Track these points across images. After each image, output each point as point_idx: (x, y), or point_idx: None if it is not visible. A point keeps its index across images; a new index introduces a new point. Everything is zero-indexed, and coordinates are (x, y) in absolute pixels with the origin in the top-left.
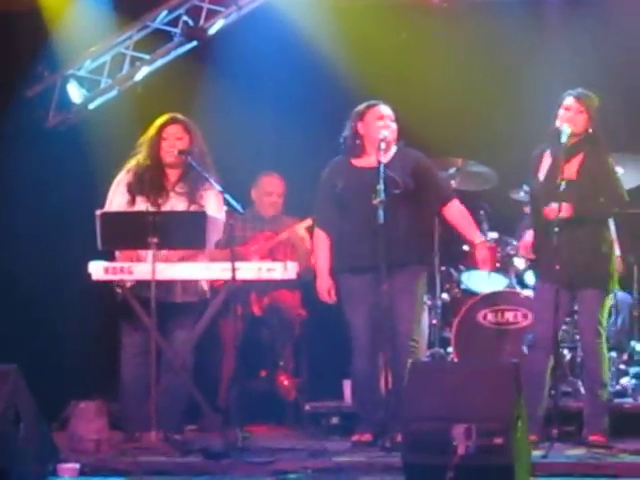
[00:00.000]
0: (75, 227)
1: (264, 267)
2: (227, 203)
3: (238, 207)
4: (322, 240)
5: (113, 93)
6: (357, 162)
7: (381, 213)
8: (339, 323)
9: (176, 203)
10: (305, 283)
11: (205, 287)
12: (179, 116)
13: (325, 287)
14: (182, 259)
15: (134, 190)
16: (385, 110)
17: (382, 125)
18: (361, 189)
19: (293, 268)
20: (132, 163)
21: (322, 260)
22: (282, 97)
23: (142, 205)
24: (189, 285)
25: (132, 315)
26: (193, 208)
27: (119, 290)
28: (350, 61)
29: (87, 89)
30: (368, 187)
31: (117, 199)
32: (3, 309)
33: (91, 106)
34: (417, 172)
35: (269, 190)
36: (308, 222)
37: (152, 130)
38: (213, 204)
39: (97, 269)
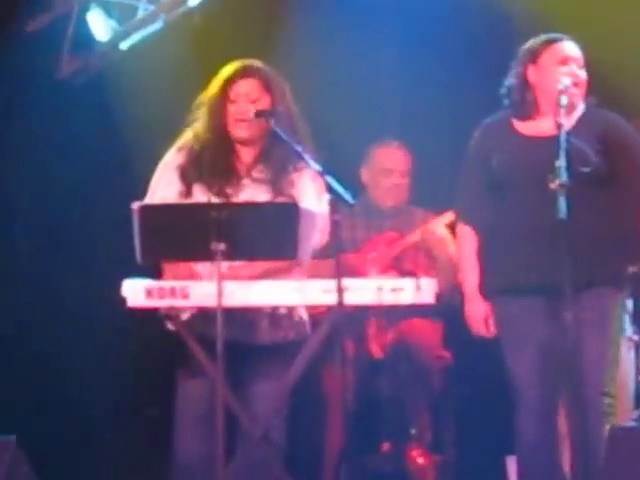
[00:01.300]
0: (101, 229)
1: (386, 286)
2: (330, 190)
3: (346, 196)
4: (470, 242)
5: (157, 25)
6: (524, 126)
7: (563, 203)
8: (500, 370)
9: (254, 193)
10: (449, 310)
11: (304, 317)
12: (255, 64)
13: (479, 314)
14: (264, 275)
15: (190, 176)
16: (571, 49)
17: (566, 71)
18: (530, 166)
19: (431, 287)
20: (186, 137)
21: (471, 273)
22: (409, 34)
23: (202, 197)
24: (280, 317)
25: (191, 363)
26: (280, 200)
27: (170, 325)
28: None
29: (117, 19)
30: (541, 163)
31: (164, 188)
32: None
33: (123, 45)
34: (615, 143)
35: (388, 167)
36: (448, 217)
37: (214, 87)
38: (310, 192)
39: (135, 291)
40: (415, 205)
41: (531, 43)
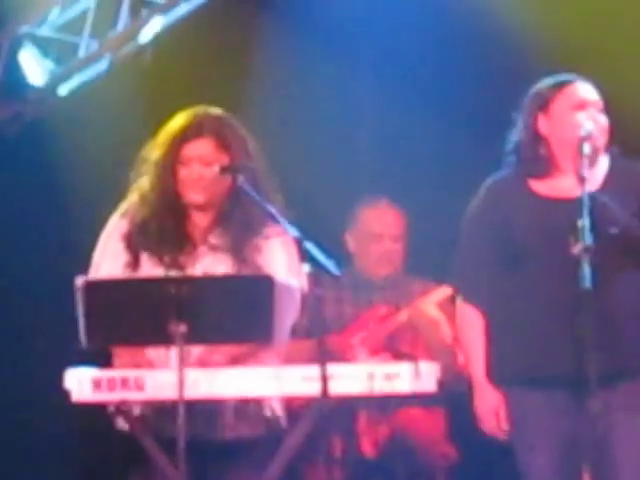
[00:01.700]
0: (39, 308)
1: (379, 372)
2: (309, 258)
3: (330, 265)
4: (474, 323)
5: (101, 66)
6: (542, 185)
7: (587, 270)
8: (514, 472)
9: (212, 263)
10: (452, 397)
11: (277, 410)
12: (211, 116)
13: (489, 406)
14: (233, 361)
15: (136, 244)
16: (587, 91)
17: (585, 117)
18: (550, 233)
19: (432, 372)
20: (131, 199)
21: (478, 358)
22: (394, 75)
23: (151, 269)
24: (247, 409)
25: (145, 466)
26: (244, 270)
27: (121, 422)
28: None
29: (55, 59)
30: (563, 229)
31: (110, 262)
32: None
33: (62, 90)
34: None
35: (377, 231)
36: (442, 292)
37: (162, 144)
38: (282, 260)
39: (80, 382)
40: (410, 274)
41: (538, 88)
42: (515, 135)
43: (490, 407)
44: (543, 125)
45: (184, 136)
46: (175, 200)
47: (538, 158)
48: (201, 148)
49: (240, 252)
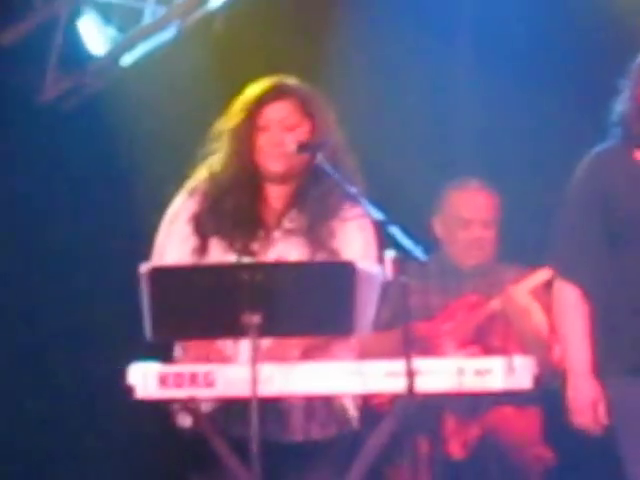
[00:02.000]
0: (101, 297)
1: (469, 367)
2: (394, 244)
3: (416, 251)
4: (577, 307)
5: (168, 34)
6: None
7: None
8: (618, 473)
9: (285, 249)
10: (548, 395)
11: (350, 409)
12: (290, 83)
13: (588, 398)
14: (307, 355)
15: (206, 227)
16: None
17: None
18: None
19: (527, 368)
20: (199, 177)
21: (580, 346)
22: (494, 44)
23: (221, 255)
24: (317, 408)
25: (207, 467)
26: (320, 257)
27: (185, 420)
28: None
29: (118, 27)
30: None
31: (176, 246)
32: None
33: (125, 60)
34: None
35: (466, 216)
36: (539, 277)
37: (238, 111)
38: (362, 246)
39: (145, 377)
40: (503, 261)
41: None
42: (620, 105)
43: (589, 400)
44: None
45: (263, 99)
46: (252, 172)
47: None
48: (282, 110)
49: (316, 236)
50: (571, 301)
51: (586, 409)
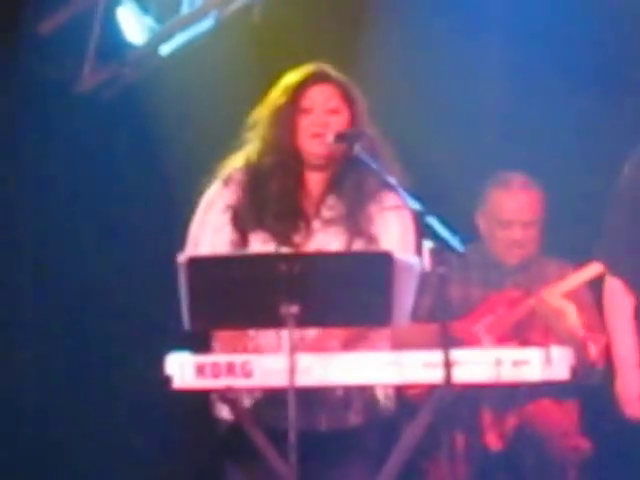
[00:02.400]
0: (135, 285)
1: (507, 357)
2: (432, 234)
3: (454, 242)
4: (622, 299)
5: (207, 24)
6: None
7: None
8: None
9: (325, 240)
10: (586, 391)
11: (382, 398)
12: (331, 70)
13: (633, 388)
14: (347, 345)
15: (245, 220)
16: None
17: None
18: None
19: (565, 358)
20: (235, 165)
21: (627, 339)
22: (526, 29)
23: (263, 245)
24: (354, 396)
25: (251, 461)
26: (359, 245)
27: (224, 410)
28: None
29: (156, 17)
30: None
31: (209, 236)
32: None
33: (164, 49)
34: None
35: (506, 217)
36: (575, 280)
37: (280, 94)
38: (399, 235)
39: (183, 368)
40: (548, 254)
41: None
42: None
43: (634, 390)
44: None
45: (306, 82)
46: (293, 157)
47: None
48: (325, 92)
49: (354, 222)
50: (619, 295)
51: (636, 400)
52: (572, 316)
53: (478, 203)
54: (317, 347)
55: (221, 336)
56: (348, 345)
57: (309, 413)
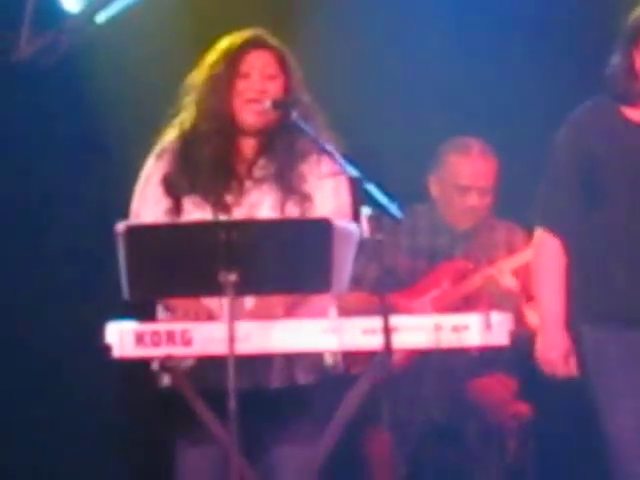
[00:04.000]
0: (75, 256)
1: (446, 323)
2: (370, 200)
3: (392, 208)
4: (556, 258)
5: None
6: (633, 113)
7: None
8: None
9: (258, 198)
10: (526, 369)
11: (329, 359)
12: (268, 37)
13: (559, 349)
14: (289, 312)
15: (177, 186)
16: None
17: None
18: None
19: (504, 324)
20: (168, 137)
21: (555, 297)
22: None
23: (196, 212)
24: (300, 356)
25: (192, 425)
26: (292, 203)
27: (165, 378)
28: None
29: None
30: None
31: (149, 209)
32: None
33: (100, 17)
34: None
35: (465, 183)
36: (522, 258)
37: (216, 59)
38: (338, 203)
39: (122, 336)
40: (498, 216)
41: (634, 19)
42: (614, 59)
43: (562, 352)
44: (638, 60)
45: (245, 47)
46: (228, 124)
47: (630, 93)
48: (264, 58)
49: (287, 181)
50: (550, 252)
51: (557, 360)
52: (520, 296)
53: (432, 167)
54: (260, 314)
55: (175, 305)
56: (291, 312)
57: (258, 372)
